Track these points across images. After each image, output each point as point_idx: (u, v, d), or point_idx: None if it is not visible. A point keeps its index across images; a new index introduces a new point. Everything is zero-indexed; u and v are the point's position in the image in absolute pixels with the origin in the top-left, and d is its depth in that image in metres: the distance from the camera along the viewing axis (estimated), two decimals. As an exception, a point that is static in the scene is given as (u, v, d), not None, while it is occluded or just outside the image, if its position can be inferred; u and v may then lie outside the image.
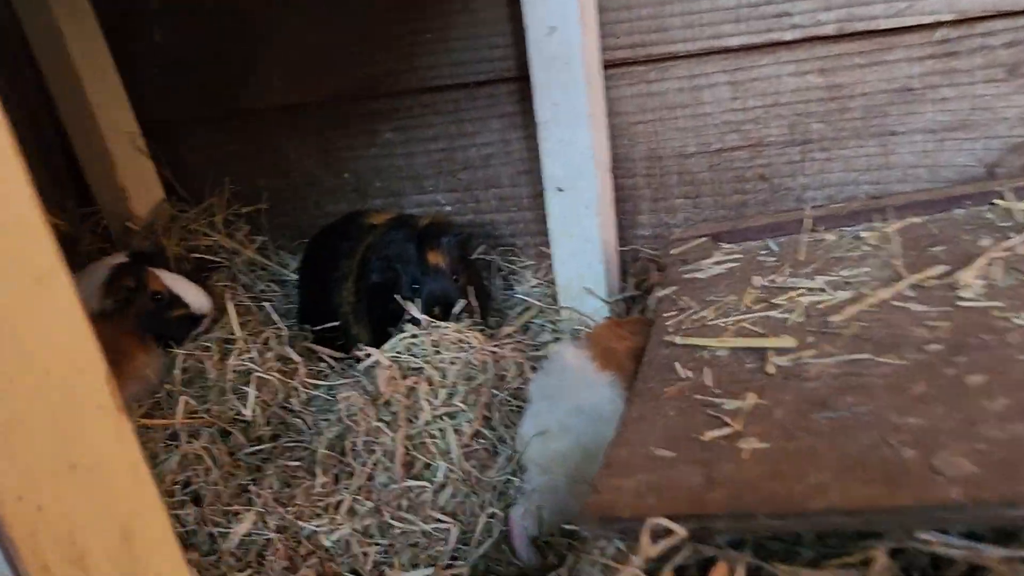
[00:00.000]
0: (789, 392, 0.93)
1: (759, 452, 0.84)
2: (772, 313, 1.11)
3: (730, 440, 0.87)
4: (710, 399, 0.95)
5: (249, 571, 1.14)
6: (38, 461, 0.46)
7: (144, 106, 1.80)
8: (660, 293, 1.25)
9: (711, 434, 0.88)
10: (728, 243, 1.34)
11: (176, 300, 1.51)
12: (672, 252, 1.35)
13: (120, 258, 1.52)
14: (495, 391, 1.29)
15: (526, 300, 1.62)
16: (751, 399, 0.92)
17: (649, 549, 0.73)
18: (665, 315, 1.18)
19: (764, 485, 0.78)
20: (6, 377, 0.44)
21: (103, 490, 0.50)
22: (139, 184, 1.82)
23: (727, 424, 0.89)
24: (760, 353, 1.02)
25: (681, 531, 0.72)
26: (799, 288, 1.14)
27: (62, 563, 0.47)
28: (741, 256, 1.29)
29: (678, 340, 1.09)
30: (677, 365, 1.04)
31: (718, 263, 1.28)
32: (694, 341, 1.08)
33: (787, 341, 1.02)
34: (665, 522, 0.73)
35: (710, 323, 1.12)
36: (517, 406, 1.27)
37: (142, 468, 0.52)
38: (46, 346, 0.46)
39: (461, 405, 1.26)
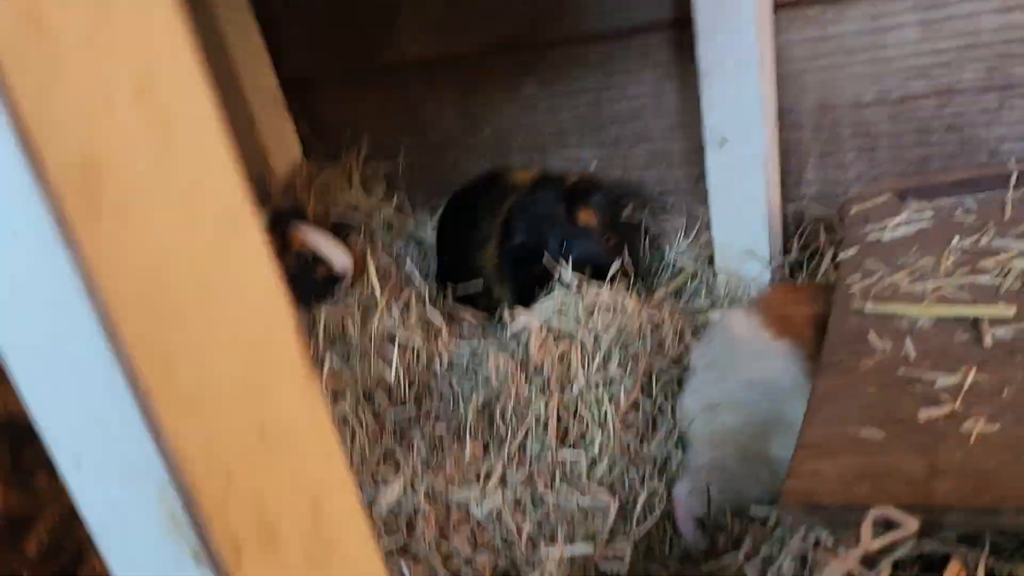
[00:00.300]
0: (1015, 368, 0.81)
1: (988, 437, 0.73)
2: (979, 278, 0.97)
3: (949, 421, 0.76)
4: (916, 374, 0.84)
5: (397, 538, 1.10)
6: (228, 424, 0.41)
7: (283, 62, 1.78)
8: (842, 255, 1.13)
9: (927, 413, 0.77)
10: (916, 200, 1.20)
11: (319, 259, 1.48)
12: (852, 211, 1.22)
13: (261, 217, 1.50)
14: (653, 358, 1.21)
15: (678, 263, 1.52)
16: (969, 375, 0.81)
17: (871, 542, 0.64)
18: (849, 280, 1.06)
19: (1001, 475, 0.67)
20: (195, 333, 0.39)
21: (293, 458, 0.44)
22: (278, 141, 1.81)
23: (944, 403, 0.78)
24: (972, 323, 0.89)
25: (912, 524, 0.63)
26: (1010, 250, 1.01)
27: (251, 539, 0.42)
28: (933, 215, 1.15)
29: (869, 308, 0.98)
30: (871, 335, 0.92)
31: (907, 223, 1.14)
32: (889, 309, 0.96)
33: (1006, 310, 0.89)
34: (892, 512, 0.63)
35: (905, 289, 1.00)
36: (677, 375, 1.19)
37: (332, 436, 0.46)
38: (236, 298, 0.41)
39: (617, 372, 1.19)
